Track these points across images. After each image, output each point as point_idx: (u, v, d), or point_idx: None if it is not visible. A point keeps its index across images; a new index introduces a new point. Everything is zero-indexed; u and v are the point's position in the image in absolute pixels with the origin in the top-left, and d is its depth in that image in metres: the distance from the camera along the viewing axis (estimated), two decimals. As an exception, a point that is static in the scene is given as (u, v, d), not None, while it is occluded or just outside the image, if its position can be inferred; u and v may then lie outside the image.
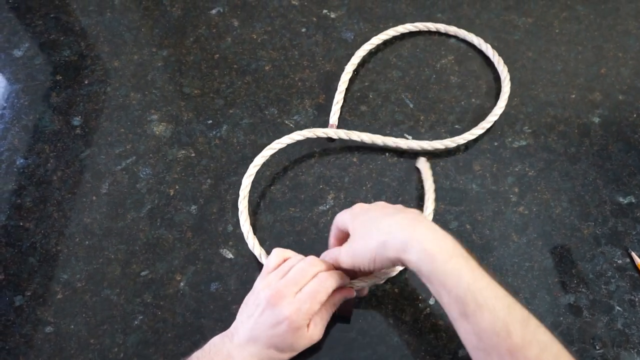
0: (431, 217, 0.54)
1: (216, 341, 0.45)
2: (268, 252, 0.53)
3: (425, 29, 0.67)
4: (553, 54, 0.65)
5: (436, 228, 0.42)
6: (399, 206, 0.46)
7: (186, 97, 0.63)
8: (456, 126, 0.60)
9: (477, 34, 0.65)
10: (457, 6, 0.68)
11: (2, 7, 0.71)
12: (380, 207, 0.46)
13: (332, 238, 0.50)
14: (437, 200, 0.55)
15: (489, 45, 0.64)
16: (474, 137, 0.58)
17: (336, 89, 0.62)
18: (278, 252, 0.48)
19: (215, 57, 0.66)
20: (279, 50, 0.66)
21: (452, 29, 0.66)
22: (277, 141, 0.56)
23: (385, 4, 0.69)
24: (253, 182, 0.58)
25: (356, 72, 0.64)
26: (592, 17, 0.67)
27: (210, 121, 0.61)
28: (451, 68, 0.64)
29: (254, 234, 0.54)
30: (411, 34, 0.67)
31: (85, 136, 0.61)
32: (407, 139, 0.60)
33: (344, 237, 0.49)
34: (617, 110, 0.61)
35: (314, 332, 0.45)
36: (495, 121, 0.60)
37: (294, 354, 0.46)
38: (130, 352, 0.49)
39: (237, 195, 0.56)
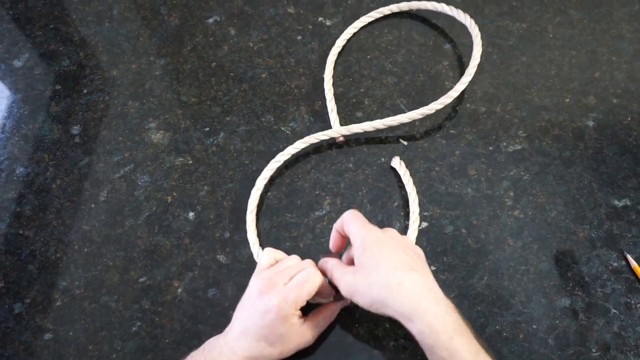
0: (417, 214, 0.55)
1: (211, 340, 0.46)
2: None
3: (389, 12, 0.68)
4: (547, 58, 0.65)
5: (441, 300, 0.41)
6: (409, 244, 0.46)
7: (183, 105, 0.64)
8: (451, 131, 0.61)
9: (472, 40, 0.66)
10: (451, 12, 0.69)
11: (3, 18, 0.72)
12: (392, 248, 0.44)
13: (332, 242, 0.49)
14: (420, 197, 0.57)
15: (460, 11, 0.65)
16: (432, 111, 0.59)
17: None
18: (269, 252, 0.49)
19: (212, 65, 0.67)
20: (275, 58, 0.67)
21: (415, 4, 0.67)
22: (283, 152, 0.58)
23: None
24: (250, 188, 0.58)
25: (351, 78, 0.65)
26: (585, 21, 0.68)
27: (207, 128, 0.62)
28: (446, 74, 0.65)
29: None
30: (406, 39, 0.68)
31: (84, 145, 0.62)
32: (404, 144, 0.61)
33: (343, 244, 0.49)
34: (611, 113, 0.61)
35: (306, 333, 0.46)
36: (490, 124, 0.61)
37: (285, 351, 0.45)
38: (128, 358, 0.50)
39: (234, 202, 0.57)
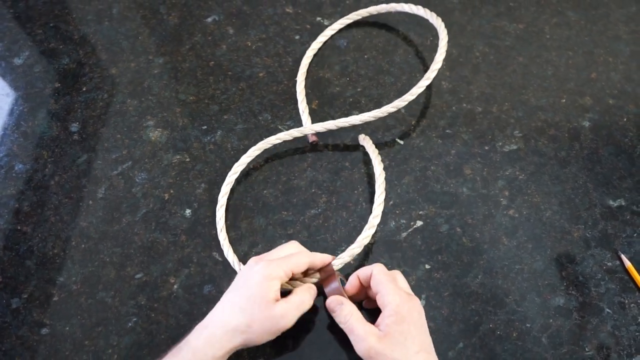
0: (383, 189, 0.54)
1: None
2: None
3: (368, 14, 0.69)
4: (544, 59, 0.66)
5: None
6: (424, 318, 0.46)
7: (181, 103, 0.64)
8: (447, 130, 0.61)
9: (468, 40, 0.67)
10: (448, 13, 0.69)
11: (4, 17, 0.72)
12: (418, 326, 0.45)
13: (350, 288, 0.49)
14: (415, 196, 0.57)
15: (427, 10, 0.65)
16: (405, 103, 0.59)
17: (329, 95, 0.64)
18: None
19: (210, 64, 0.67)
20: (273, 57, 0.67)
21: (382, 7, 0.68)
22: (240, 160, 0.58)
23: (378, 11, 0.70)
24: (246, 185, 0.58)
25: (349, 77, 0.65)
26: (582, 22, 0.68)
27: (205, 127, 0.62)
28: (442, 73, 0.65)
29: (246, 237, 0.54)
30: (403, 39, 0.68)
31: (83, 142, 0.62)
32: (400, 143, 0.61)
33: (360, 290, 0.49)
34: (607, 114, 0.62)
35: (285, 309, 0.45)
36: (486, 124, 0.61)
37: (260, 329, 0.44)
38: (124, 353, 0.50)
39: (230, 200, 0.57)
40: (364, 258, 0.54)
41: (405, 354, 0.42)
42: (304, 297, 0.47)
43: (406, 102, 0.59)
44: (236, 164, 0.58)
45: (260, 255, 0.49)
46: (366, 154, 0.60)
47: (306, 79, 0.65)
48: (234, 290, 0.46)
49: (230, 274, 0.54)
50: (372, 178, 0.59)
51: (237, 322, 0.44)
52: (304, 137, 0.61)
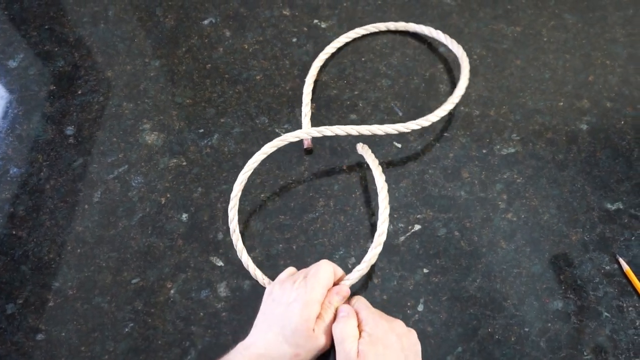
0: (387, 202, 0.53)
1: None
2: (259, 262, 0.54)
3: (385, 28, 0.68)
4: (541, 62, 0.66)
5: None
6: (412, 342, 0.46)
7: (178, 106, 0.64)
8: (445, 134, 0.61)
9: (465, 43, 0.66)
10: (446, 15, 0.69)
11: (-2, 19, 0.72)
12: (396, 350, 0.44)
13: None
14: (413, 200, 0.57)
15: (440, 32, 0.65)
16: (429, 123, 0.58)
17: (326, 98, 0.64)
18: (290, 269, 0.51)
19: (207, 66, 0.67)
20: (270, 60, 0.67)
21: (401, 25, 0.68)
22: (246, 167, 0.56)
23: (375, 14, 0.70)
24: (243, 189, 0.58)
25: (346, 80, 0.65)
26: (580, 25, 0.68)
27: (201, 130, 0.62)
28: (440, 77, 0.65)
29: (243, 241, 0.54)
30: (401, 42, 0.68)
31: (78, 145, 0.62)
32: (397, 146, 0.61)
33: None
34: (604, 117, 0.62)
35: (326, 330, 0.45)
36: (483, 127, 0.61)
37: (308, 354, 0.44)
38: (120, 359, 0.50)
39: (228, 204, 0.57)
40: (362, 262, 0.54)
41: None
42: (327, 319, 0.46)
43: (430, 123, 0.58)
44: (242, 172, 0.55)
45: (283, 280, 0.48)
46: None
47: (302, 81, 0.65)
48: (274, 317, 0.45)
49: (227, 278, 0.54)
50: (370, 182, 0.58)
51: (283, 351, 0.44)
52: (300, 141, 0.60)
